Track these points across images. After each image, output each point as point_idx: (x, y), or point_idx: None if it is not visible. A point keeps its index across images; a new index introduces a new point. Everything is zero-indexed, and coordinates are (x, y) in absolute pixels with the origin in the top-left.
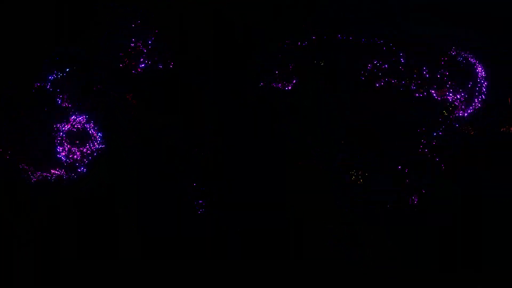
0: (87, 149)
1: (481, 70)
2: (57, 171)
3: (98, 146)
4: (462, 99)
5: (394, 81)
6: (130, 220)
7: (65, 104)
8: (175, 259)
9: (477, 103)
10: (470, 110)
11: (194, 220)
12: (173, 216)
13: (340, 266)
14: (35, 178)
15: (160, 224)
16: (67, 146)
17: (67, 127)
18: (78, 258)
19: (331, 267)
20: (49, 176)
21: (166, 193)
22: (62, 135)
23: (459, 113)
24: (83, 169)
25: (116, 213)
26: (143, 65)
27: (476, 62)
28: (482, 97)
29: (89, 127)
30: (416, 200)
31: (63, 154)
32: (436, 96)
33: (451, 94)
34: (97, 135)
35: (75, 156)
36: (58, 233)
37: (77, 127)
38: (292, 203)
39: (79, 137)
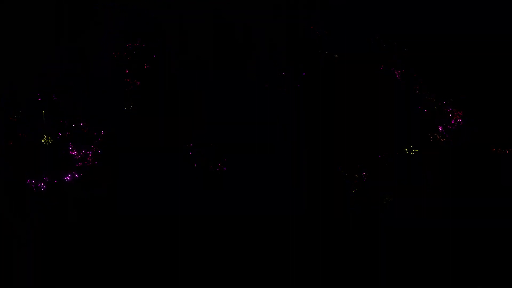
0: (91, 150)
1: (484, 72)
2: (65, 173)
3: (101, 146)
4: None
5: (394, 80)
6: (130, 220)
7: (65, 104)
8: (175, 259)
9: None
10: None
11: (194, 220)
12: (173, 215)
13: (340, 266)
14: (42, 182)
15: (159, 224)
16: (70, 147)
17: (68, 128)
18: (78, 258)
19: (331, 267)
20: (56, 179)
21: (166, 192)
22: (63, 136)
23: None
24: (89, 170)
25: (116, 213)
26: (142, 65)
27: (479, 64)
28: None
29: (90, 127)
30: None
31: (69, 155)
32: (451, 115)
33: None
34: (99, 135)
35: (76, 159)
36: (58, 233)
37: (78, 127)
38: (294, 202)
39: (80, 138)
